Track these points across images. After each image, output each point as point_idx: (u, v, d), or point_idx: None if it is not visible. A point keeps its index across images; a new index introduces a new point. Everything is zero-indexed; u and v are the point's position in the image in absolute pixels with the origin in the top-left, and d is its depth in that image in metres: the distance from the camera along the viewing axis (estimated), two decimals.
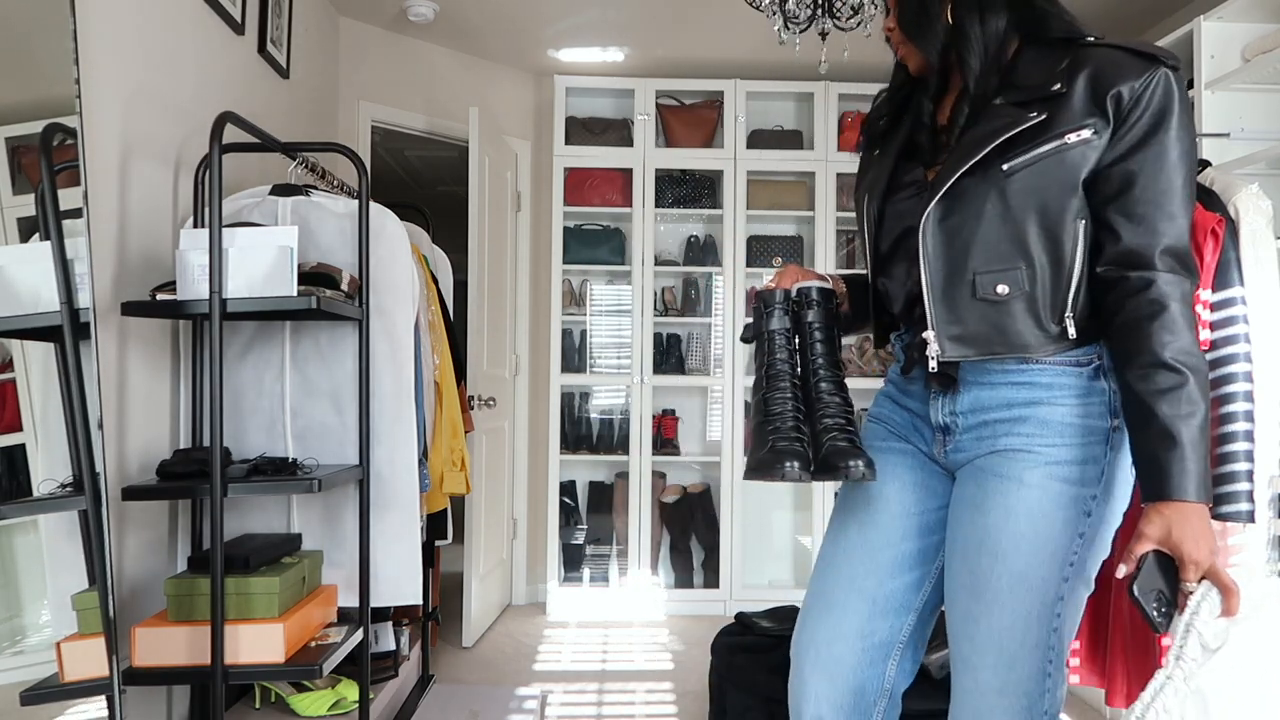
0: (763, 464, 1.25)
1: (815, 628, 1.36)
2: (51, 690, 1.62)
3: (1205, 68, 2.48)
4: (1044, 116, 1.16)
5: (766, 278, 4.28)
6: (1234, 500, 2.12)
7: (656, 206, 4.19)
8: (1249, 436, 2.13)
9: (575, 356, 4.37)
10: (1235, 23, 2.47)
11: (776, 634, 2.60)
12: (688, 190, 4.27)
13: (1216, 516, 2.15)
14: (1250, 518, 2.12)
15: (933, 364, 1.25)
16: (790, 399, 1.31)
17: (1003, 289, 1.19)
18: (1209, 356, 2.21)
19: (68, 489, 1.63)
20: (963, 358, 1.23)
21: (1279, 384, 2.21)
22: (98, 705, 1.68)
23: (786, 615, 2.74)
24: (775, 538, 4.44)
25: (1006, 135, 1.17)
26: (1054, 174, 1.16)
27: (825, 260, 4.16)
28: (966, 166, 1.19)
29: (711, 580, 4.21)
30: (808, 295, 1.35)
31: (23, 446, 1.65)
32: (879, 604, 1.33)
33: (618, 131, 4.24)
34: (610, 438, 4.36)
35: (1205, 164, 2.38)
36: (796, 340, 1.35)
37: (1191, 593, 1.06)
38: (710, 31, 3.78)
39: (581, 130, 4.22)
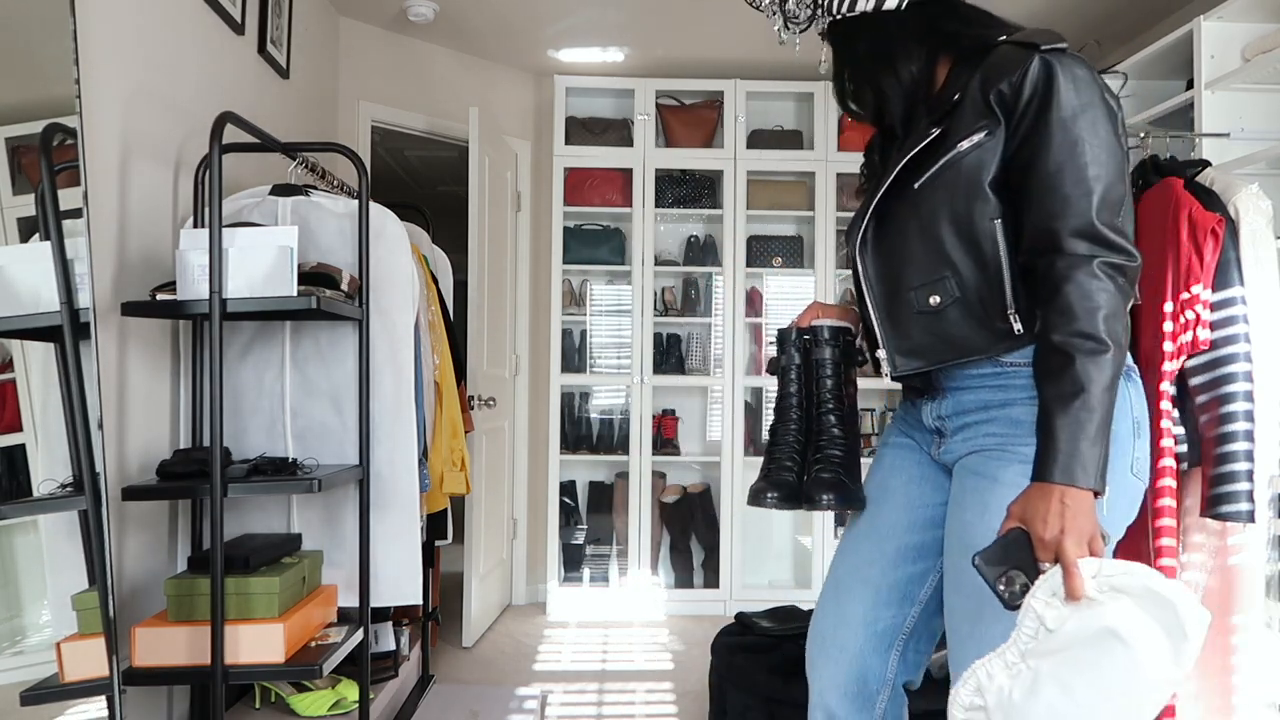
0: (753, 491, 1.43)
1: (825, 613, 1.41)
2: (51, 690, 1.62)
3: (1205, 68, 2.48)
4: (941, 130, 1.22)
5: (766, 276, 4.31)
6: (1234, 500, 2.12)
7: (656, 206, 4.19)
8: (1249, 436, 2.13)
9: (575, 356, 4.37)
10: (1235, 23, 2.47)
11: (776, 634, 2.60)
12: (688, 190, 4.27)
13: (1216, 516, 2.15)
14: (1250, 518, 2.12)
15: (886, 378, 1.32)
16: (794, 430, 1.45)
17: (935, 300, 1.24)
18: (1209, 357, 2.21)
19: (68, 489, 1.63)
20: (915, 370, 1.29)
21: (1279, 384, 2.21)
22: (98, 705, 1.68)
23: (786, 615, 2.74)
24: (775, 538, 4.44)
25: (910, 155, 1.24)
26: (956, 182, 1.21)
27: (825, 259, 4.16)
28: (882, 192, 1.27)
29: (711, 580, 4.21)
30: (819, 334, 1.46)
31: (23, 446, 1.65)
32: (883, 592, 1.36)
33: (618, 131, 4.24)
34: (610, 438, 4.36)
35: (1205, 164, 2.38)
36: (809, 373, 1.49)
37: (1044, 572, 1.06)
38: (710, 31, 3.78)
39: (581, 130, 4.22)
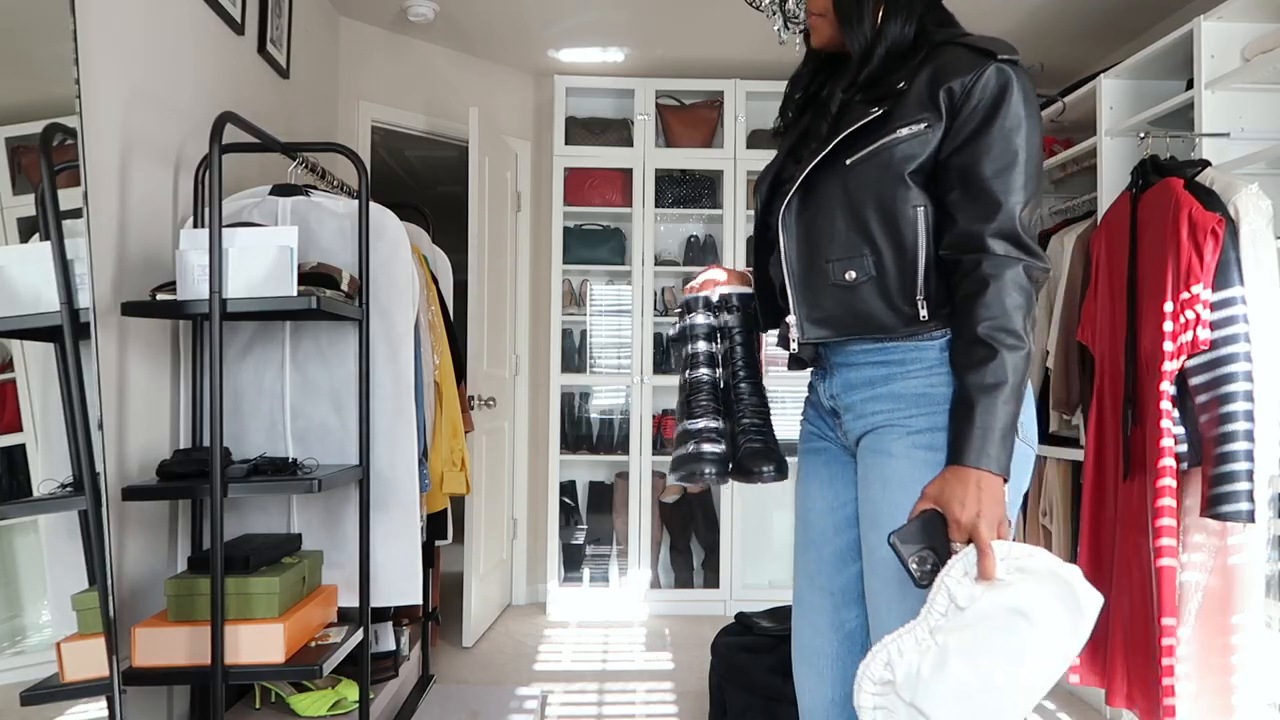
0: (682, 463, 1.36)
1: (798, 627, 1.44)
2: (51, 690, 1.62)
3: (1205, 68, 2.47)
4: (882, 112, 1.23)
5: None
6: (1233, 500, 2.12)
7: (656, 206, 4.19)
8: (1249, 436, 2.13)
9: (575, 356, 4.37)
10: (1235, 23, 2.47)
11: (776, 634, 2.60)
12: (688, 190, 4.27)
13: (1216, 516, 2.15)
14: (1250, 517, 2.12)
15: (793, 345, 1.32)
16: (711, 400, 1.39)
17: (851, 275, 1.26)
18: (1209, 356, 2.21)
19: (68, 489, 1.63)
20: (822, 339, 1.31)
21: (1279, 384, 2.21)
22: (98, 705, 1.68)
23: (786, 615, 2.73)
24: (775, 538, 4.44)
25: (848, 131, 1.25)
26: (887, 165, 1.23)
27: None
28: (815, 162, 1.27)
29: (711, 580, 4.21)
30: (729, 300, 1.41)
31: (23, 446, 1.65)
32: (838, 596, 1.39)
33: (618, 131, 4.24)
34: (610, 438, 4.36)
35: (1205, 164, 2.38)
36: (718, 342, 1.43)
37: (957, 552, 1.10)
38: (710, 31, 3.77)
39: (581, 130, 4.22)
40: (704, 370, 1.41)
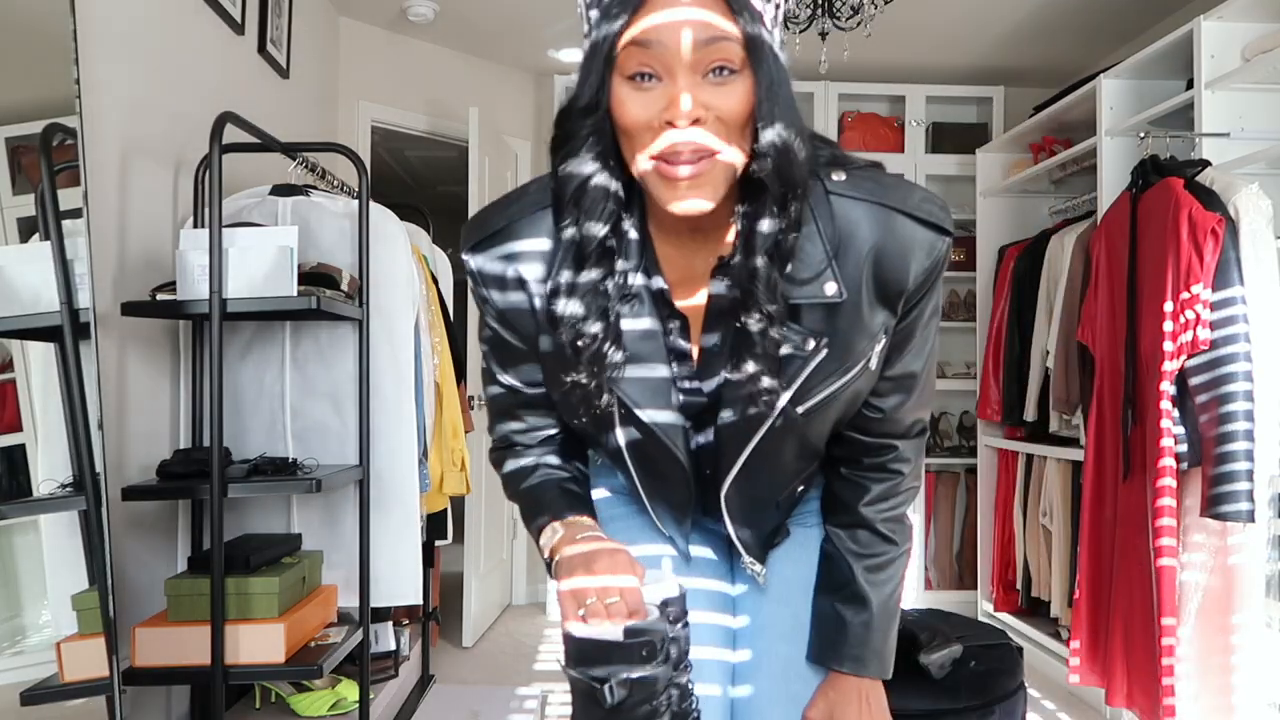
0: None
1: None
2: (51, 690, 1.62)
3: (1205, 68, 2.47)
4: (829, 346, 0.90)
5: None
6: (1233, 500, 2.12)
7: None
8: (1249, 436, 2.14)
9: None
10: (1235, 23, 2.47)
11: None
12: None
13: (1216, 516, 2.15)
14: (1250, 517, 2.12)
15: (759, 578, 1.10)
16: None
17: (800, 488, 1.08)
18: (1209, 356, 2.21)
19: (68, 489, 1.63)
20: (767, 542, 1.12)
21: (1279, 384, 2.21)
22: (98, 705, 1.68)
23: None
24: None
25: (799, 382, 0.91)
26: (851, 394, 0.96)
27: None
28: (766, 427, 0.94)
29: None
30: (677, 606, 0.89)
31: (23, 446, 1.65)
32: None
33: None
34: None
35: (1205, 164, 2.38)
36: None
37: None
38: None
39: None
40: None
